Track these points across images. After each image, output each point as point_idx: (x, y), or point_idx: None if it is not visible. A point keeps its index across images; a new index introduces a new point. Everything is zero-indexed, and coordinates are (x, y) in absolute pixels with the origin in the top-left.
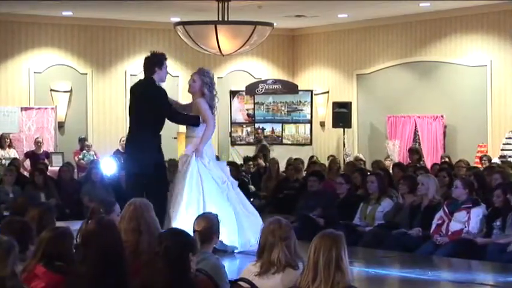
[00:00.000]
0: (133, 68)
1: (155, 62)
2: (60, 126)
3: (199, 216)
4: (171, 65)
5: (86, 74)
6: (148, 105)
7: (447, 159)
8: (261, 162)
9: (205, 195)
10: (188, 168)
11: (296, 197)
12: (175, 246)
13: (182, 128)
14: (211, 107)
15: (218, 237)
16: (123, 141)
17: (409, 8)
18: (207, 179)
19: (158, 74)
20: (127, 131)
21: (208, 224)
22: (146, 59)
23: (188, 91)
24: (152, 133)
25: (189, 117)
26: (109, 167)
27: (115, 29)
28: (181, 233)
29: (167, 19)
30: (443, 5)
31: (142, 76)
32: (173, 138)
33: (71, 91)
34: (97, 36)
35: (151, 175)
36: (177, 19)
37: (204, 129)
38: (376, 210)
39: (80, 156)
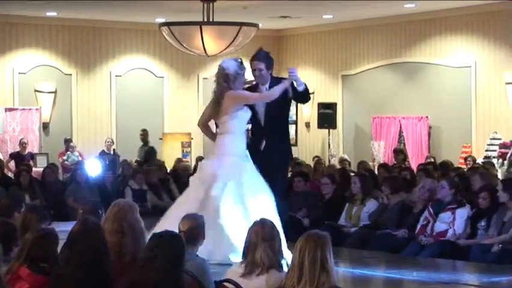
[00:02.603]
0: (118, 68)
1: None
2: (45, 127)
3: (184, 217)
4: (156, 65)
5: (71, 74)
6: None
7: (432, 160)
8: None
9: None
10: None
11: None
12: (174, 249)
13: (168, 129)
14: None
15: (203, 238)
16: (108, 142)
17: (394, 9)
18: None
19: None
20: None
21: (194, 225)
22: None
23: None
24: None
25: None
26: (93, 168)
27: (100, 30)
28: (177, 235)
29: (153, 20)
30: (428, 6)
31: (128, 76)
32: (159, 139)
33: (55, 92)
34: (82, 36)
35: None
36: (162, 20)
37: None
38: (361, 211)
39: (65, 158)
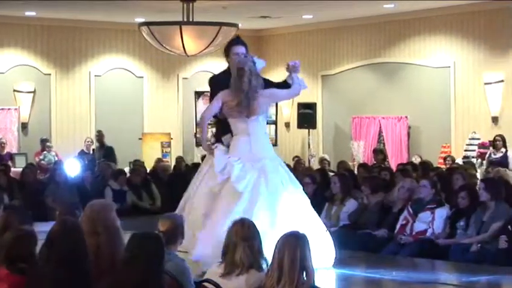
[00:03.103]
0: (97, 68)
1: (225, 54)
2: (24, 127)
3: (163, 216)
4: (135, 65)
5: (50, 74)
6: None
7: (419, 159)
8: None
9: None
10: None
11: None
12: (154, 249)
13: (148, 129)
14: None
15: (183, 238)
16: (88, 142)
17: (373, 10)
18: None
19: (230, 64)
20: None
21: (173, 225)
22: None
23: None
24: None
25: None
26: (72, 168)
27: (79, 30)
28: (156, 235)
29: (132, 20)
30: (407, 6)
31: (107, 76)
32: (138, 139)
33: (34, 92)
34: (61, 36)
35: None
36: (142, 20)
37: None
38: (341, 210)
39: (41, 157)
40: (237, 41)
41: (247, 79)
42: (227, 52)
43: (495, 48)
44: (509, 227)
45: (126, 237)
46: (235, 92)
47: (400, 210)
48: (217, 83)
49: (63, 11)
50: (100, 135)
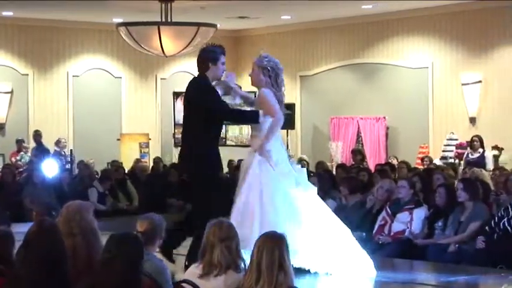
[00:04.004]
0: (75, 69)
1: (209, 58)
2: (1, 127)
3: (141, 217)
4: (113, 66)
5: (28, 74)
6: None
7: (395, 160)
8: None
9: (264, 206)
10: (246, 174)
11: None
12: (133, 250)
13: (126, 129)
14: (278, 99)
15: (162, 239)
16: (64, 142)
17: (352, 10)
18: (268, 185)
19: (211, 71)
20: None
21: (151, 226)
22: (201, 51)
23: (252, 85)
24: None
25: (245, 113)
26: (50, 169)
27: (57, 30)
28: (135, 236)
29: (110, 20)
30: (386, 7)
31: (85, 77)
32: (116, 139)
33: (11, 92)
34: (39, 36)
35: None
36: (120, 20)
37: (270, 123)
38: None
39: (18, 158)
40: (224, 50)
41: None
42: (216, 58)
43: (473, 49)
44: (486, 227)
45: (104, 238)
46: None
47: (379, 211)
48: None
49: (40, 11)
50: (37, 135)
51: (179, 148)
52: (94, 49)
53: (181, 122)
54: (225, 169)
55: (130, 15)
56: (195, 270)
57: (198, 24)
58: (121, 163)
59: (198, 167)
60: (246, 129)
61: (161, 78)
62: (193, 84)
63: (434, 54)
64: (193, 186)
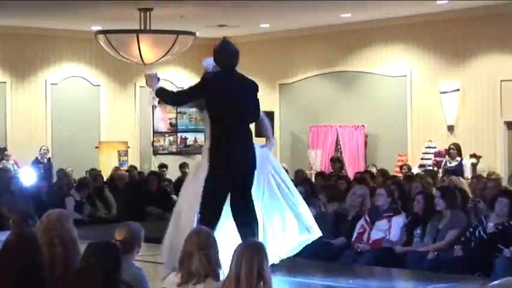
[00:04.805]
0: (54, 77)
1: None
2: None
3: (119, 225)
4: (92, 74)
5: (5, 82)
6: None
7: (374, 168)
8: (186, 170)
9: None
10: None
11: None
12: (112, 258)
13: (104, 137)
14: None
15: (139, 247)
16: (44, 150)
17: (331, 19)
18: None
19: None
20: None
21: (129, 234)
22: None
23: None
24: None
25: None
26: (28, 177)
27: (35, 38)
28: (113, 244)
29: (89, 28)
30: (365, 16)
31: (63, 85)
32: (95, 147)
33: None
34: (16, 44)
35: None
36: (98, 28)
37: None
38: None
39: (0, 166)
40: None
41: None
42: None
43: (451, 58)
44: (467, 233)
45: (83, 246)
46: None
47: (355, 217)
48: None
49: (18, 19)
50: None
51: (158, 156)
52: (72, 57)
53: (159, 130)
54: None
55: (108, 23)
56: (174, 278)
57: (177, 33)
58: (100, 171)
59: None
60: None
61: (140, 86)
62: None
63: (413, 62)
64: (250, 182)
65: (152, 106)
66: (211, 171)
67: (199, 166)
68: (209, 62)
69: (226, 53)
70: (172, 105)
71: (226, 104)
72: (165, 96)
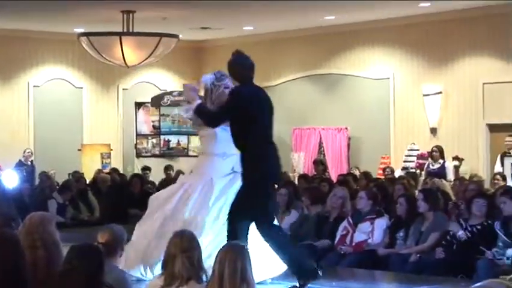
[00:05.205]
0: (36, 79)
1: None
2: None
3: (102, 228)
4: (75, 76)
5: None
6: None
7: (357, 171)
8: (171, 173)
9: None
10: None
11: None
12: (94, 261)
13: (87, 140)
14: None
15: (123, 250)
16: (28, 152)
17: (314, 21)
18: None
19: None
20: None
21: (112, 237)
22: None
23: None
24: None
25: None
26: (10, 180)
27: (18, 40)
28: (95, 246)
29: (71, 30)
30: (348, 18)
31: (46, 87)
32: (78, 150)
33: None
34: None
35: None
36: (81, 30)
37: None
38: (283, 221)
39: None
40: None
41: None
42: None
43: (433, 61)
44: (448, 237)
45: (65, 249)
46: None
47: (336, 219)
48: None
49: (1, 21)
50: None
51: (141, 159)
52: (55, 59)
53: (142, 132)
54: None
55: (91, 25)
56: (157, 281)
57: (160, 35)
58: (82, 174)
59: None
60: None
61: (123, 89)
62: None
63: (396, 65)
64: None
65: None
66: (254, 181)
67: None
68: (207, 78)
69: (241, 67)
70: (207, 125)
71: (261, 114)
72: (204, 115)
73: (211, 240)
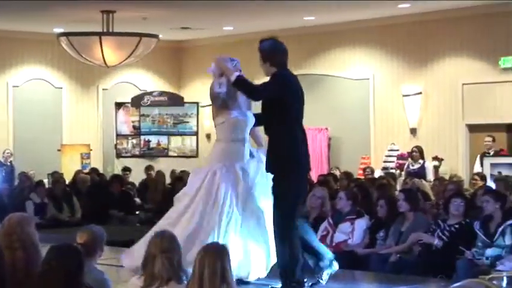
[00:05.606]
0: (15, 79)
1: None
2: None
3: (81, 229)
4: (54, 76)
5: None
6: None
7: (337, 171)
8: (152, 173)
9: None
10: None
11: None
12: (73, 262)
13: (67, 140)
14: None
15: (102, 251)
16: (7, 153)
17: (294, 22)
18: None
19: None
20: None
21: (91, 237)
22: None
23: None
24: None
25: None
26: None
27: None
28: (74, 247)
29: (51, 30)
30: (328, 19)
31: (25, 87)
32: (57, 150)
33: None
34: None
35: None
36: (61, 30)
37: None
38: None
39: None
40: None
41: None
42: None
43: (413, 61)
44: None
45: (44, 250)
46: None
47: (316, 219)
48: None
49: None
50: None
51: (121, 159)
52: (34, 59)
53: (122, 132)
54: (168, 179)
55: (71, 26)
56: (137, 281)
57: (140, 35)
58: (62, 174)
59: None
60: (188, 140)
61: (103, 89)
62: None
63: (376, 65)
64: None
65: (218, 93)
66: (291, 171)
67: (213, 166)
68: (212, 69)
69: (279, 52)
70: (249, 96)
71: (297, 101)
72: (246, 86)
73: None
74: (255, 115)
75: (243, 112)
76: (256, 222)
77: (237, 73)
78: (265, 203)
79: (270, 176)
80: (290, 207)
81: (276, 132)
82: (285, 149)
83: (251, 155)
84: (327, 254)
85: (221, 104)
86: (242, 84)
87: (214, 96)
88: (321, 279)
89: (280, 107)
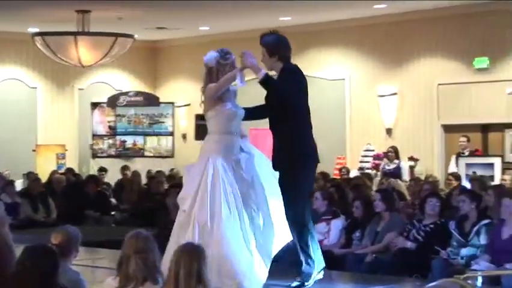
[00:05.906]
0: None
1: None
2: None
3: (56, 229)
4: (29, 76)
5: None
6: None
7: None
8: (128, 173)
9: None
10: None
11: (158, 210)
12: (48, 262)
13: (42, 140)
14: None
15: (77, 251)
16: None
17: (269, 22)
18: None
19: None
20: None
21: (66, 238)
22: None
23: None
24: None
25: None
26: None
27: None
28: (49, 247)
29: (25, 29)
30: (304, 19)
31: (0, 87)
32: (32, 150)
33: None
34: None
35: None
36: (36, 29)
37: None
38: None
39: None
40: (261, 38)
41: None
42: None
43: (389, 62)
44: (403, 235)
45: (18, 250)
46: None
47: None
48: None
49: None
50: None
51: (96, 159)
52: (8, 59)
53: (98, 133)
54: (144, 180)
55: (46, 25)
56: (112, 282)
57: (116, 35)
58: (37, 174)
59: None
60: (164, 140)
61: (78, 89)
62: None
63: (351, 66)
64: None
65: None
66: (299, 163)
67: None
68: (211, 57)
69: (285, 46)
70: (272, 95)
71: (306, 95)
72: (270, 85)
73: None
74: (246, 109)
75: (236, 104)
76: (256, 209)
77: (263, 71)
78: (264, 190)
79: (264, 165)
80: (302, 200)
81: (286, 129)
82: (295, 146)
83: (240, 149)
84: (320, 263)
85: (217, 96)
86: (271, 83)
87: (220, 88)
88: (307, 282)
89: (290, 103)
